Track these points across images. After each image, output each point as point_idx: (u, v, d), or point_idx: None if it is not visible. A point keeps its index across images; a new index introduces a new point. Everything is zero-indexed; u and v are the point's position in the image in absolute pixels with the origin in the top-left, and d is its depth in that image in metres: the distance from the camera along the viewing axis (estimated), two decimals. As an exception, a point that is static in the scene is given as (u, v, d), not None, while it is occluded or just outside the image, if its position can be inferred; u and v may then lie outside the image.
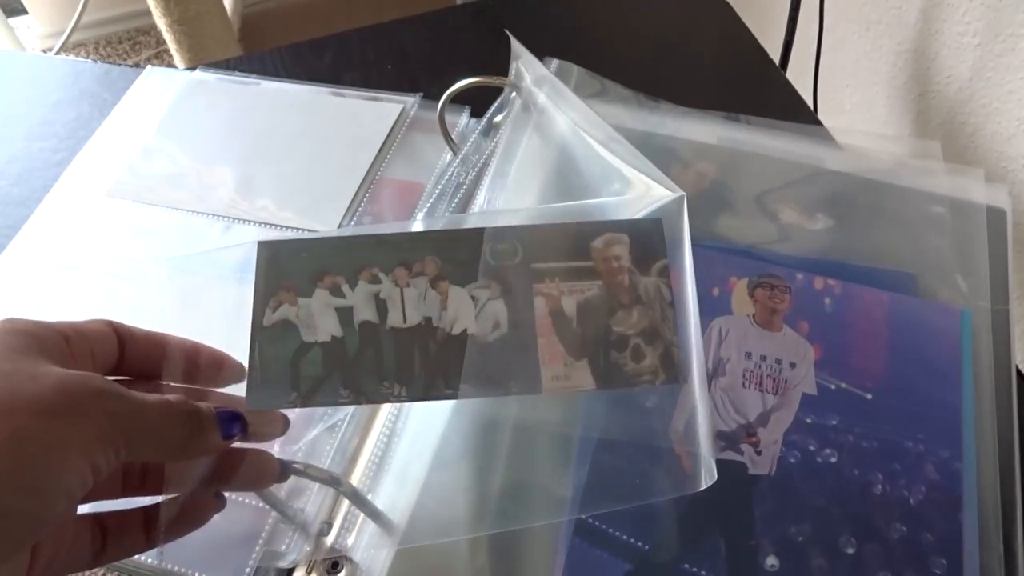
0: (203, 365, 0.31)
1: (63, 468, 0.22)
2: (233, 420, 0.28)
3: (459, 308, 0.30)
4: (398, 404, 0.38)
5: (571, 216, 0.33)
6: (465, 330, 0.30)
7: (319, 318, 0.30)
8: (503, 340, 0.30)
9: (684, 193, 0.33)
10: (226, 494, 0.31)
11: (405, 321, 0.30)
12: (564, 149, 0.43)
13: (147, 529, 0.28)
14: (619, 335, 0.30)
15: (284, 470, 0.31)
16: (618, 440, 0.37)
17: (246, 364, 0.30)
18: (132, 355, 0.29)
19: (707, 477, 0.29)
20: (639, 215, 0.33)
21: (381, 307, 0.30)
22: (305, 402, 0.29)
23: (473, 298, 0.30)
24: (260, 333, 0.29)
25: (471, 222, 0.34)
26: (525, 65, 0.47)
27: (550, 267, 0.31)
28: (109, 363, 0.28)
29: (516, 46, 0.47)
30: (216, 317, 0.37)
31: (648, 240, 0.32)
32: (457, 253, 0.31)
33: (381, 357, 0.30)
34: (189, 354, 0.30)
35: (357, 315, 0.30)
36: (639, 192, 0.35)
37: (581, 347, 0.30)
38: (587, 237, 0.32)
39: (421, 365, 0.29)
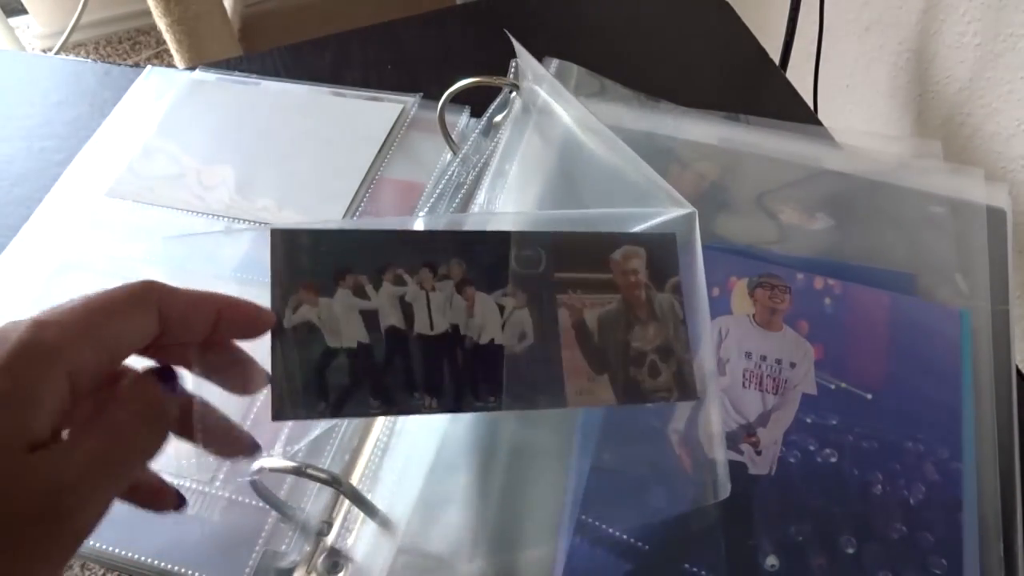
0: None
1: None
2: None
3: (485, 316, 0.29)
4: None
5: (584, 224, 0.33)
6: (492, 340, 0.29)
7: (344, 322, 0.28)
8: (530, 352, 0.29)
9: (695, 210, 0.32)
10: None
11: (432, 328, 0.29)
12: (564, 149, 0.43)
13: None
14: (637, 351, 0.30)
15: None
16: (622, 447, 0.37)
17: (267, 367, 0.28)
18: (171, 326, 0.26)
19: (721, 491, 0.29)
20: (649, 224, 0.33)
21: (407, 311, 0.29)
22: (335, 413, 0.27)
23: (499, 307, 0.30)
24: (282, 336, 0.27)
25: (492, 223, 0.34)
26: (525, 67, 0.47)
27: (572, 277, 0.31)
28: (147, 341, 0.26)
29: (517, 48, 0.47)
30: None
31: (663, 255, 0.32)
32: (482, 257, 0.30)
33: (410, 366, 0.28)
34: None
35: (383, 319, 0.29)
36: (644, 192, 0.35)
37: (602, 362, 0.30)
38: (606, 248, 0.31)
39: (450, 376, 0.28)
